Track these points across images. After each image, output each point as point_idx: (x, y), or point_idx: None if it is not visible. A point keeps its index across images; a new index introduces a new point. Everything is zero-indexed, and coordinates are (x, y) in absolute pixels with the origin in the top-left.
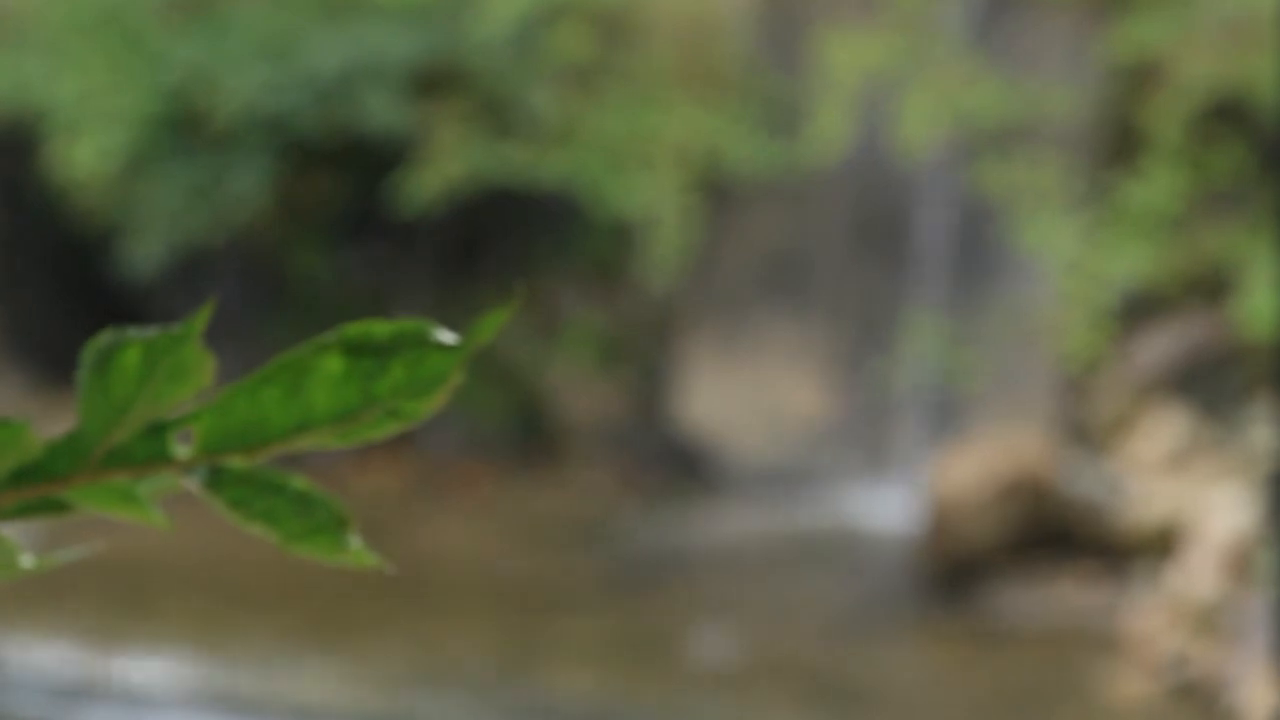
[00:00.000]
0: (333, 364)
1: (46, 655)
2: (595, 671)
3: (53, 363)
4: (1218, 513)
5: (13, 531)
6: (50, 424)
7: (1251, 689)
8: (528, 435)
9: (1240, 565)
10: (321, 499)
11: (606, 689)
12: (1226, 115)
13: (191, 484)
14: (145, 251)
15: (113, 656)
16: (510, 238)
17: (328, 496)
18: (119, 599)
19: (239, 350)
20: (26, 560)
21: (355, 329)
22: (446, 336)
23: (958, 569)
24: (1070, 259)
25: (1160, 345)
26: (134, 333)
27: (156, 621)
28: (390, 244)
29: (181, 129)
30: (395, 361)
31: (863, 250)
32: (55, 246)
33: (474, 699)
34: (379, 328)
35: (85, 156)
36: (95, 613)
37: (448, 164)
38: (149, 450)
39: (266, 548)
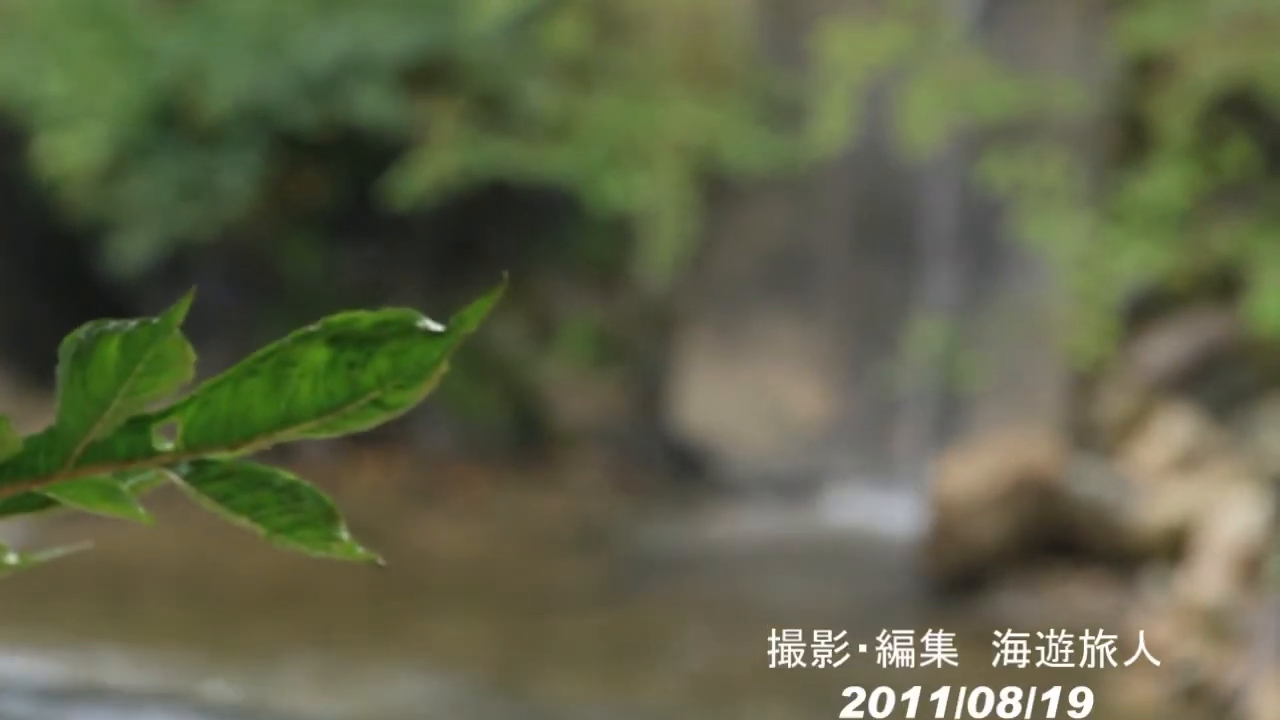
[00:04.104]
0: (317, 354)
1: (36, 657)
2: (592, 674)
3: (42, 360)
4: (1227, 516)
5: None
6: (39, 423)
7: (1261, 694)
8: (523, 435)
9: (1250, 569)
10: (309, 492)
11: (603, 692)
12: (1235, 110)
13: (176, 478)
14: (135, 247)
15: (98, 657)
16: (506, 234)
17: (315, 490)
18: (104, 597)
19: (229, 347)
20: (11, 558)
21: (339, 319)
22: (432, 325)
23: (963, 573)
24: (1077, 256)
25: (1168, 345)
26: (113, 325)
27: (142, 621)
28: (384, 240)
29: (171, 123)
30: (380, 351)
31: (866, 247)
32: (44, 242)
33: (469, 700)
34: (364, 317)
35: (74, 150)
36: (80, 612)
37: (442, 159)
38: (131, 445)
39: (257, 546)
